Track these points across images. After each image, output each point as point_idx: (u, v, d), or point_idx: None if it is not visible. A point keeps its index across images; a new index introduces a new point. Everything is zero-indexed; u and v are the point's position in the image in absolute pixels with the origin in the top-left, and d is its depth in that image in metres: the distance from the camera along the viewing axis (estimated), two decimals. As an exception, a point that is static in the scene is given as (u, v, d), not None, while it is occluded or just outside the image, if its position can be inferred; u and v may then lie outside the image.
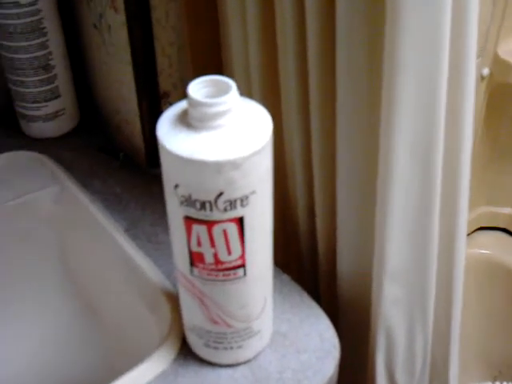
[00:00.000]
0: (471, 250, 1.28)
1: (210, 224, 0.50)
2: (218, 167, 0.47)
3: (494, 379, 1.36)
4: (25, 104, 0.90)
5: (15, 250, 0.83)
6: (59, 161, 0.87)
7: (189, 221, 0.50)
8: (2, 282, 0.83)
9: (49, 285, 0.84)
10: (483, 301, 1.30)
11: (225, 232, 0.50)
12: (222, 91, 0.48)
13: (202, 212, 0.49)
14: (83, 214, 0.79)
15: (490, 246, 1.30)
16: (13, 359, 0.83)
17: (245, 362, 0.61)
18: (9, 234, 0.82)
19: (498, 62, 1.06)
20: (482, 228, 1.33)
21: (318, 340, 0.63)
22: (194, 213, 0.49)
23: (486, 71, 1.07)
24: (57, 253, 0.84)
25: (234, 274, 0.53)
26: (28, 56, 0.85)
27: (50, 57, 0.87)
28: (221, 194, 0.48)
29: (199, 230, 0.50)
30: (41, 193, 0.82)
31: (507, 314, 1.29)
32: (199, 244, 0.51)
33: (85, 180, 0.84)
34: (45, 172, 0.85)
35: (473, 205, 1.25)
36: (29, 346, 0.84)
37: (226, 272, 0.53)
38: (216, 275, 0.53)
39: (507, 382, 1.33)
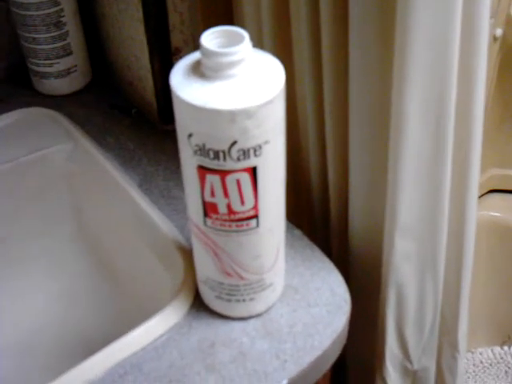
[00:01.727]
0: (482, 213, 1.28)
1: (223, 174, 0.50)
2: (231, 116, 0.47)
3: (503, 344, 1.37)
4: (37, 61, 0.90)
5: (28, 205, 0.83)
6: (72, 118, 0.87)
7: (202, 170, 0.50)
8: (16, 238, 0.84)
9: (62, 240, 0.85)
10: (493, 264, 1.31)
11: (238, 182, 0.50)
12: (235, 41, 0.48)
13: (216, 161, 0.49)
14: (96, 170, 0.79)
15: (501, 209, 1.31)
16: (27, 315, 0.84)
17: (257, 315, 0.61)
18: (22, 190, 0.83)
19: (511, 23, 1.06)
20: (493, 190, 1.33)
21: (329, 294, 0.64)
22: (207, 162, 0.49)
23: (498, 32, 1.06)
24: (71, 208, 0.85)
25: (247, 224, 0.53)
26: (39, 13, 0.85)
27: (62, 13, 0.87)
28: (234, 143, 0.48)
29: (213, 179, 0.50)
30: (54, 149, 0.83)
31: (517, 278, 1.30)
32: (213, 194, 0.51)
33: (98, 136, 0.84)
34: (58, 129, 0.85)
35: (484, 167, 1.25)
36: (43, 302, 0.85)
37: (239, 223, 0.53)
38: (229, 226, 0.53)
39: (516, 347, 1.34)
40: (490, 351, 1.37)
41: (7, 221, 0.83)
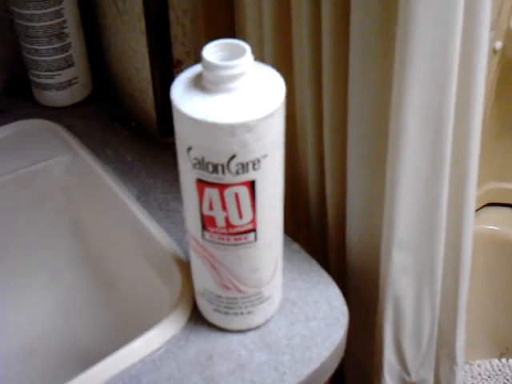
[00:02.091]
0: (479, 226, 1.29)
1: (222, 187, 0.50)
2: (231, 130, 0.47)
3: (501, 356, 1.37)
4: (38, 72, 0.90)
5: (28, 217, 0.83)
6: (72, 129, 0.87)
7: (201, 184, 0.50)
8: (15, 250, 0.84)
9: (61, 252, 0.85)
10: (491, 277, 1.31)
11: (236, 195, 0.51)
12: (237, 55, 0.49)
13: (215, 175, 0.49)
14: (95, 182, 0.79)
15: (498, 222, 1.31)
16: (26, 326, 0.84)
17: (255, 328, 0.62)
18: (21, 202, 0.83)
19: (510, 36, 1.06)
20: (490, 204, 1.33)
21: (327, 307, 0.64)
22: (206, 176, 0.50)
23: (498, 45, 1.07)
24: (69, 221, 0.85)
25: (245, 238, 0.54)
26: (42, 24, 0.85)
27: (64, 25, 0.87)
28: (233, 156, 0.48)
29: (211, 193, 0.51)
30: (53, 161, 0.83)
31: (514, 290, 1.30)
32: (211, 208, 0.52)
33: (97, 149, 0.84)
34: (57, 140, 0.85)
35: (481, 181, 1.25)
36: (41, 313, 0.85)
37: (237, 236, 0.53)
38: (227, 239, 0.53)
39: (514, 358, 1.34)
40: (488, 363, 1.37)
41: (6, 232, 0.83)
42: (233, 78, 0.48)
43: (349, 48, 0.60)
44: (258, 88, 0.49)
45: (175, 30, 0.78)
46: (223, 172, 0.49)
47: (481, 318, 1.33)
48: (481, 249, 1.26)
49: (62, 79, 0.91)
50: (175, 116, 0.50)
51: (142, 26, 0.78)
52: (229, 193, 0.50)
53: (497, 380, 1.34)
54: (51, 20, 0.86)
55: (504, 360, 1.36)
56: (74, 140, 0.85)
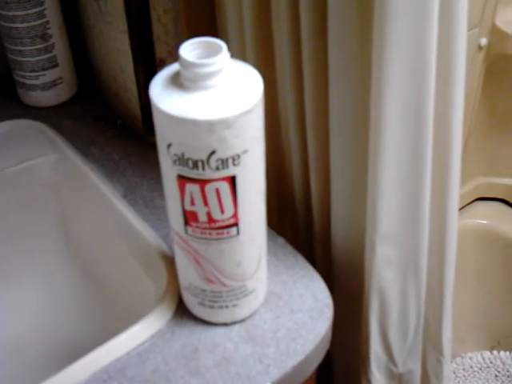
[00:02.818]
0: (469, 221, 1.29)
1: (202, 183, 0.51)
2: (209, 126, 0.48)
3: (492, 349, 1.38)
4: (23, 73, 0.91)
5: (15, 216, 0.84)
6: (58, 129, 0.88)
7: (182, 180, 0.51)
8: (2, 248, 0.84)
9: (48, 250, 0.86)
10: (481, 271, 1.31)
11: (217, 191, 0.51)
12: (214, 52, 0.49)
13: (195, 171, 0.50)
14: (82, 180, 0.80)
15: (489, 217, 1.31)
16: (13, 323, 0.85)
17: (240, 321, 0.62)
18: (8, 201, 0.83)
19: (495, 32, 1.07)
20: (480, 198, 1.34)
21: (312, 300, 0.64)
22: (186, 172, 0.50)
23: (483, 41, 1.07)
24: (56, 219, 0.85)
25: (228, 232, 0.54)
26: (25, 25, 0.86)
27: (47, 26, 0.88)
28: (213, 152, 0.49)
29: (192, 188, 0.51)
30: (40, 160, 0.83)
31: (505, 284, 1.31)
32: (192, 203, 0.52)
33: (83, 148, 0.85)
34: (43, 140, 0.86)
35: (471, 175, 1.27)
36: (28, 310, 0.85)
37: (220, 231, 0.54)
38: (210, 234, 0.54)
39: (505, 351, 1.35)
40: (479, 356, 1.38)
41: (-7, 230, 0.84)
42: (210, 75, 0.48)
43: (328, 49, 0.61)
44: (235, 85, 0.50)
45: (157, 30, 0.78)
46: (203, 168, 0.50)
47: (472, 311, 1.34)
48: (471, 243, 1.27)
49: (47, 79, 0.92)
50: (154, 113, 0.50)
51: (125, 26, 0.78)
52: (210, 188, 0.51)
53: (488, 372, 1.35)
54: (34, 21, 0.86)
55: (495, 352, 1.37)
56: (60, 139, 0.85)
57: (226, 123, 0.48)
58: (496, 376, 1.35)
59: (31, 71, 0.90)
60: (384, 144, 0.60)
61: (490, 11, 1.04)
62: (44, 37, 0.88)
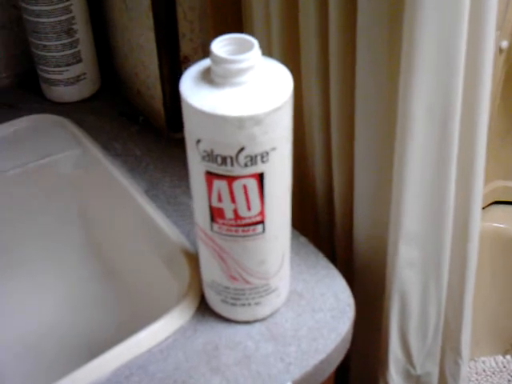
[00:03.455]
0: (486, 224, 1.29)
1: (230, 179, 0.51)
2: (239, 122, 0.48)
3: (506, 353, 1.37)
4: (47, 68, 0.91)
5: (36, 210, 0.84)
6: (80, 124, 0.88)
7: (210, 176, 0.51)
8: (24, 243, 0.85)
9: (69, 245, 0.86)
10: (496, 274, 1.31)
11: (245, 187, 0.51)
12: (245, 49, 0.49)
13: (223, 167, 0.50)
14: (104, 175, 0.80)
15: (505, 220, 1.31)
16: (33, 319, 0.85)
17: (261, 319, 0.62)
18: (30, 196, 0.84)
19: (516, 35, 1.06)
20: (497, 202, 1.34)
21: (334, 300, 0.64)
22: (215, 168, 0.50)
23: (504, 44, 1.07)
24: (78, 214, 0.86)
25: (254, 230, 0.54)
26: (51, 20, 0.86)
27: (73, 21, 0.88)
28: (242, 149, 0.49)
29: (220, 185, 0.51)
30: (62, 155, 0.84)
31: (521, 288, 1.30)
32: (220, 199, 0.52)
33: (105, 143, 0.85)
34: (66, 135, 0.86)
35: (489, 179, 1.26)
36: (49, 305, 0.86)
37: (246, 228, 0.54)
38: (236, 231, 0.54)
39: (518, 356, 1.34)
40: (492, 360, 1.37)
41: (16, 225, 0.84)
42: (241, 71, 0.49)
43: (356, 43, 0.61)
44: (265, 82, 0.50)
45: (183, 27, 0.78)
46: (232, 164, 0.50)
47: (486, 314, 1.33)
48: (487, 246, 1.27)
49: (71, 75, 0.92)
50: (184, 109, 0.50)
51: (150, 22, 0.79)
52: (237, 185, 0.51)
53: (501, 376, 1.35)
54: (60, 16, 0.86)
55: (508, 357, 1.37)
56: (82, 134, 0.86)
57: (255, 120, 0.48)
58: (509, 381, 1.34)
59: (55, 66, 0.91)
60: (410, 143, 0.60)
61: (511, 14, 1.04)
62: (69, 32, 0.88)
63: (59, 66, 0.91)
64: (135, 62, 0.89)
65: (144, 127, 0.89)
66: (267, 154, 0.50)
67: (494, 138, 1.19)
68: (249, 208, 0.53)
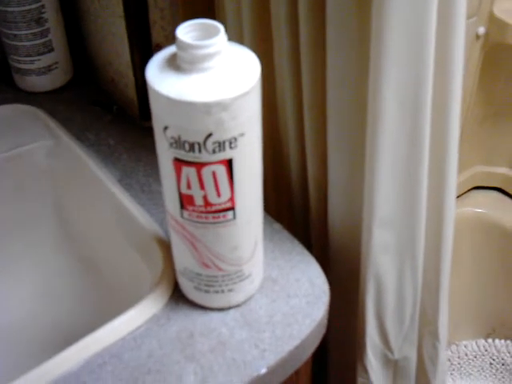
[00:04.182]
0: (466, 209, 1.29)
1: (199, 166, 0.50)
2: (206, 108, 0.47)
3: (487, 336, 1.38)
4: (18, 58, 0.90)
5: (9, 201, 0.84)
6: (53, 114, 0.87)
7: (178, 163, 0.51)
8: (-2, 234, 0.84)
9: (43, 236, 0.86)
10: (477, 259, 1.32)
11: (214, 174, 0.51)
12: (211, 34, 0.49)
13: (191, 154, 0.50)
14: (77, 165, 0.80)
15: (485, 205, 1.31)
16: (7, 309, 0.85)
17: (236, 306, 0.62)
18: (2, 187, 0.83)
19: (493, 21, 1.06)
20: (477, 187, 1.34)
21: (308, 285, 0.64)
22: (183, 155, 0.50)
23: (481, 30, 1.07)
24: (51, 204, 0.85)
25: (224, 216, 0.54)
26: (20, 9, 0.85)
27: (43, 10, 0.87)
28: (210, 135, 0.49)
29: (189, 172, 0.51)
30: (35, 145, 0.83)
31: (501, 273, 1.31)
32: (189, 186, 0.52)
33: (78, 133, 0.85)
34: (39, 125, 0.86)
35: (468, 164, 1.26)
36: (23, 296, 0.85)
37: (216, 214, 0.54)
38: (206, 218, 0.54)
39: (500, 339, 1.35)
40: (474, 344, 1.38)
41: (-11, 217, 0.83)
42: (207, 57, 0.48)
43: (326, 27, 0.60)
44: (232, 67, 0.50)
45: (154, 14, 0.78)
46: (200, 151, 0.49)
47: (468, 299, 1.34)
48: (468, 231, 1.27)
49: (42, 64, 0.91)
50: (151, 96, 0.50)
51: (121, 10, 0.78)
52: (206, 171, 0.51)
53: (483, 360, 1.36)
54: (29, 5, 0.85)
55: (490, 340, 1.38)
56: (55, 124, 0.85)
57: (222, 105, 0.48)
58: (491, 364, 1.35)
59: (26, 56, 0.90)
60: (382, 130, 0.60)
61: (488, 0, 1.04)
62: (39, 21, 0.87)
63: (30, 56, 0.90)
64: (108, 50, 0.88)
65: (118, 116, 0.89)
66: (235, 139, 0.50)
67: (473, 124, 1.19)
68: (218, 194, 0.52)
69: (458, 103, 0.62)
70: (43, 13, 0.87)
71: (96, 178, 0.76)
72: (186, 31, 0.50)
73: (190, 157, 0.50)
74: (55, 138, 0.83)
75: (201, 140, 0.49)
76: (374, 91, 0.58)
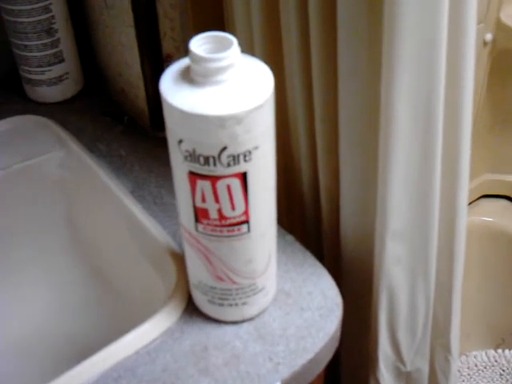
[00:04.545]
0: (474, 218, 1.29)
1: (213, 179, 0.50)
2: (220, 122, 0.47)
3: (497, 347, 1.37)
4: (29, 68, 0.90)
5: (22, 213, 0.84)
6: (64, 125, 0.87)
7: (193, 176, 0.51)
8: (11, 246, 0.84)
9: (56, 247, 0.85)
10: (486, 268, 1.31)
11: (228, 187, 0.51)
12: (224, 47, 0.49)
13: (206, 167, 0.49)
14: (89, 176, 0.79)
15: (493, 214, 1.31)
16: (20, 321, 0.85)
17: (249, 319, 0.62)
18: (15, 198, 0.83)
19: (500, 28, 1.06)
20: (485, 196, 1.34)
21: (321, 298, 0.64)
22: (198, 168, 0.50)
23: (488, 37, 1.07)
24: (63, 216, 0.85)
25: (238, 229, 0.54)
26: (31, 20, 0.85)
27: (53, 20, 0.87)
28: (224, 148, 0.48)
29: (203, 185, 0.51)
30: (46, 156, 0.83)
31: (510, 282, 1.30)
32: (204, 200, 0.52)
33: (90, 144, 0.84)
34: (50, 136, 0.86)
35: (476, 173, 1.26)
36: (38, 308, 0.85)
37: (231, 228, 0.53)
38: (220, 231, 0.54)
39: (509, 349, 1.35)
40: (484, 354, 1.37)
41: (0, 228, 0.83)
42: (220, 70, 0.48)
43: (337, 45, 0.60)
44: (246, 80, 0.49)
45: (164, 25, 0.78)
46: (215, 164, 0.49)
47: (477, 309, 1.33)
48: (476, 240, 1.27)
49: (53, 75, 0.91)
50: (165, 109, 0.50)
51: (131, 20, 0.78)
52: (221, 185, 0.51)
53: (493, 371, 1.35)
54: (39, 15, 0.85)
55: (500, 351, 1.37)
56: (66, 135, 0.85)
57: (236, 119, 0.47)
58: (501, 375, 1.34)
59: (37, 66, 0.90)
60: (394, 140, 0.60)
61: (495, 6, 1.04)
62: (50, 31, 0.88)
63: (41, 66, 0.90)
64: (118, 60, 0.88)
65: (129, 127, 0.89)
66: (250, 153, 0.49)
67: (481, 132, 1.19)
68: (233, 208, 0.52)
69: (469, 112, 0.62)
70: (53, 23, 0.87)
71: (108, 189, 0.76)
72: (199, 44, 0.50)
73: (204, 170, 0.50)
74: (66, 148, 0.83)
75: (215, 153, 0.49)
76: (386, 100, 0.58)
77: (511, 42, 1.07)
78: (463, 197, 0.67)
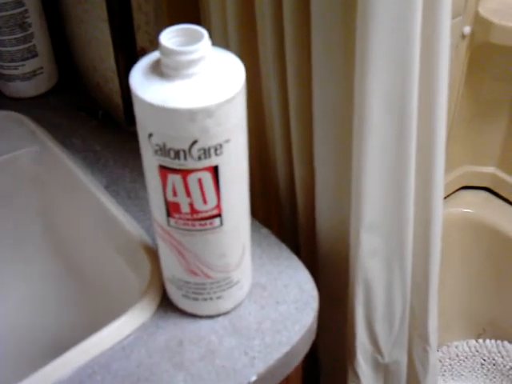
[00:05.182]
0: (454, 209, 1.29)
1: (184, 173, 0.50)
2: (191, 115, 0.47)
3: (478, 337, 1.38)
4: (1, 63, 0.89)
5: (-5, 208, 0.83)
6: (38, 120, 0.86)
7: (164, 170, 0.50)
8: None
9: (31, 242, 0.85)
10: (466, 259, 1.32)
11: (200, 181, 0.50)
12: (195, 40, 0.48)
13: (177, 161, 0.49)
14: (63, 172, 0.79)
15: (473, 205, 1.31)
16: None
17: (224, 313, 0.62)
18: (-12, 193, 0.82)
19: (479, 21, 1.06)
20: (465, 187, 1.34)
21: (297, 291, 0.64)
22: (168, 162, 0.49)
23: (467, 30, 1.07)
24: (38, 212, 0.84)
25: (211, 223, 0.53)
26: (3, 14, 0.84)
27: (26, 14, 0.86)
28: (195, 142, 0.48)
29: (174, 179, 0.50)
30: (20, 152, 0.82)
31: (490, 272, 1.31)
32: (175, 194, 0.51)
33: (64, 139, 0.84)
34: (24, 131, 0.85)
35: (456, 164, 1.26)
36: (13, 303, 0.85)
37: (203, 222, 0.53)
38: (193, 225, 0.53)
39: (490, 339, 1.35)
40: (465, 344, 1.38)
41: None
42: (191, 63, 0.48)
43: (311, 37, 0.60)
44: (217, 73, 0.49)
45: (138, 19, 0.77)
46: (185, 158, 0.49)
47: (457, 299, 1.34)
48: (456, 232, 1.27)
49: (27, 70, 0.90)
50: (135, 103, 0.49)
51: (105, 14, 0.77)
52: (192, 178, 0.50)
53: (474, 361, 1.36)
54: (13, 9, 0.85)
55: (481, 341, 1.38)
56: (40, 131, 0.84)
57: (207, 112, 0.47)
58: (482, 364, 1.35)
59: (10, 61, 0.89)
60: (368, 132, 0.60)
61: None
62: (23, 26, 0.87)
63: (14, 61, 0.89)
64: (92, 55, 0.87)
65: (103, 121, 0.88)
66: (221, 146, 0.49)
67: (460, 124, 1.19)
68: (205, 201, 0.52)
69: (444, 104, 0.61)
70: (27, 17, 0.86)
71: (82, 185, 0.76)
72: (169, 37, 0.49)
73: (175, 164, 0.49)
74: (40, 144, 0.82)
75: (186, 147, 0.48)
76: (359, 93, 0.58)
77: (489, 35, 1.07)
78: (438, 187, 0.67)
